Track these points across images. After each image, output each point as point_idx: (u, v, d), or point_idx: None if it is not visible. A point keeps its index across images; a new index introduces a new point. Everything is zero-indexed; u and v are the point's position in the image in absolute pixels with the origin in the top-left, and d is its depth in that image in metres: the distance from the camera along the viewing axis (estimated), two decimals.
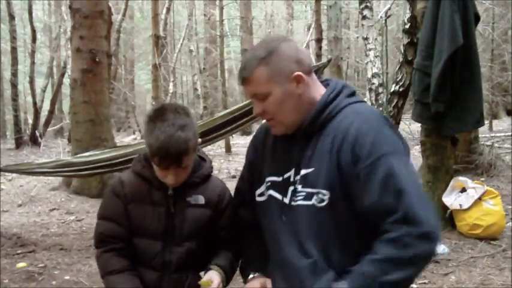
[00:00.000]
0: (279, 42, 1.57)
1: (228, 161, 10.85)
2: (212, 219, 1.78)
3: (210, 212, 1.77)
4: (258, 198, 1.71)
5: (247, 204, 1.80)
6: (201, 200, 1.76)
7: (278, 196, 1.63)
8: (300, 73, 1.55)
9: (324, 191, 1.50)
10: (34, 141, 13.72)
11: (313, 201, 1.52)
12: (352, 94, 1.63)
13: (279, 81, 1.54)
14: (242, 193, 1.83)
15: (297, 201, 1.56)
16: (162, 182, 1.72)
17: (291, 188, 1.59)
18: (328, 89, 1.62)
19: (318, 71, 4.94)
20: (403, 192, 1.41)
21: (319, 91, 1.61)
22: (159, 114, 1.65)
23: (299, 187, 1.55)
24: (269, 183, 1.66)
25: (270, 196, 1.65)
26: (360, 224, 1.51)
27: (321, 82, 1.66)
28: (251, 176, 1.77)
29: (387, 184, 1.42)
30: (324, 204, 1.51)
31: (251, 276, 1.73)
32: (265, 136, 1.74)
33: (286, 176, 1.61)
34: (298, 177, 1.57)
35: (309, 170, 1.54)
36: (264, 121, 1.74)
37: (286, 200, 1.60)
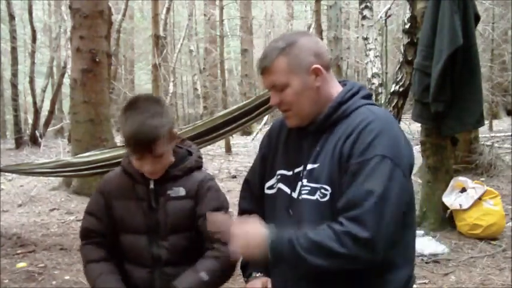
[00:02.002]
0: (300, 35, 1.61)
1: (228, 161, 10.84)
2: (193, 209, 1.77)
3: (191, 202, 1.77)
4: (267, 191, 1.71)
5: (255, 197, 1.79)
6: (182, 191, 1.76)
7: (287, 190, 1.63)
8: (318, 66, 1.56)
9: (326, 186, 1.52)
10: (34, 141, 13.71)
11: (317, 196, 1.53)
12: (368, 96, 1.64)
13: (298, 72, 1.56)
14: (251, 185, 1.82)
15: (302, 195, 1.57)
16: (144, 176, 1.74)
17: (300, 183, 1.59)
18: (346, 88, 1.63)
19: None
20: (373, 194, 1.41)
21: (336, 88, 1.63)
22: (131, 105, 1.69)
23: (304, 181, 1.57)
24: (279, 177, 1.67)
25: (279, 189, 1.66)
26: None
27: (339, 82, 1.67)
28: (263, 168, 1.77)
29: (366, 181, 1.43)
30: (326, 199, 1.52)
31: (253, 275, 1.73)
32: (280, 129, 1.75)
33: (296, 170, 1.62)
34: (305, 172, 1.58)
35: (315, 166, 1.56)
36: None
37: (295, 195, 1.60)
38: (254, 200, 1.80)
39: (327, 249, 1.42)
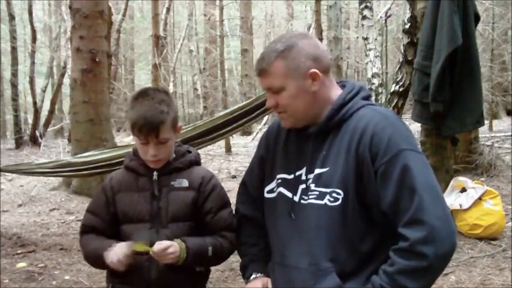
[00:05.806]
0: (300, 38, 1.59)
1: (228, 161, 10.84)
2: (196, 201, 1.80)
3: (193, 193, 1.80)
4: (267, 195, 1.71)
5: (253, 200, 1.79)
6: (185, 183, 1.81)
7: (288, 194, 1.63)
8: (316, 70, 1.56)
9: (338, 190, 1.51)
10: (34, 141, 13.71)
11: (326, 200, 1.52)
12: (368, 97, 1.65)
13: (294, 76, 1.56)
14: (249, 188, 1.82)
15: (307, 199, 1.56)
16: (147, 168, 1.80)
17: (302, 186, 1.59)
18: (346, 89, 1.63)
19: None
20: (415, 191, 1.42)
21: (334, 91, 1.63)
22: (140, 93, 1.79)
23: (312, 186, 1.56)
24: (280, 180, 1.66)
25: (280, 193, 1.65)
26: (370, 225, 1.52)
27: (337, 83, 1.67)
28: (262, 171, 1.76)
29: (403, 181, 1.44)
30: (337, 203, 1.51)
31: (253, 276, 1.73)
32: (278, 132, 1.75)
33: (297, 174, 1.62)
34: (311, 175, 1.57)
35: (324, 170, 1.55)
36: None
37: (296, 198, 1.60)
38: (253, 204, 1.79)
39: (410, 270, 1.41)
